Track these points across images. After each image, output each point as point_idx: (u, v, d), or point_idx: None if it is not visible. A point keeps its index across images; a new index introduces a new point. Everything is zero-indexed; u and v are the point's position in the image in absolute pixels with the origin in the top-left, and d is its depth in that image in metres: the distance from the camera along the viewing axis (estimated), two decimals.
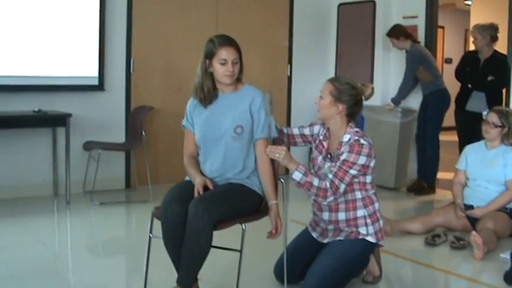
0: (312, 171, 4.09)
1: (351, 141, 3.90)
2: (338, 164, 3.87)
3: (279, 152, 3.73)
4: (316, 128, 4.19)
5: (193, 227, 3.42)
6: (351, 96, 3.97)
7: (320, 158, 4.09)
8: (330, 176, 3.86)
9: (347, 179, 3.85)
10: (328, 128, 4.10)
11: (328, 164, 3.99)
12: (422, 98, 7.60)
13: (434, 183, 7.63)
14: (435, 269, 4.80)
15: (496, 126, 5.48)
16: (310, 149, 4.31)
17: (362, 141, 3.88)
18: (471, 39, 7.15)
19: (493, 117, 5.50)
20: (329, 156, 4.03)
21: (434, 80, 7.41)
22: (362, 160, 3.86)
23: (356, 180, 3.94)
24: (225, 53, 3.71)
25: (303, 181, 3.80)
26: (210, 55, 3.73)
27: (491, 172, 5.50)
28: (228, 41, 3.75)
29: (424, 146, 7.60)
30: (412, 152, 7.90)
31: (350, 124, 4.00)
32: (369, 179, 4.01)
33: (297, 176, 3.79)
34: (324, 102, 3.98)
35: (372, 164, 3.95)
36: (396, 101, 7.57)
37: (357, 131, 3.96)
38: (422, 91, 7.55)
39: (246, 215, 3.72)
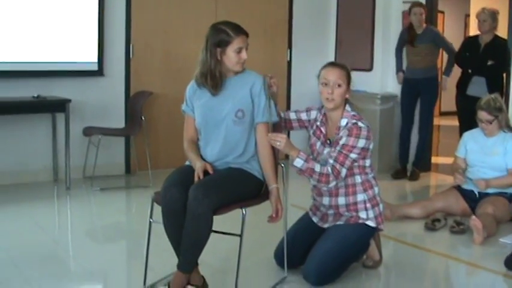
0: (311, 157, 4.08)
1: (349, 124, 3.91)
2: (338, 148, 3.87)
3: (279, 140, 3.71)
4: (313, 113, 4.18)
5: (194, 211, 3.42)
6: (350, 78, 4.01)
7: (319, 143, 4.08)
8: (331, 161, 3.85)
9: (348, 163, 3.86)
10: (324, 113, 4.09)
11: (327, 150, 3.99)
12: (407, 82, 7.58)
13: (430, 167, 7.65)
14: (435, 254, 4.81)
15: (491, 122, 5.47)
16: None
17: (360, 124, 3.89)
18: (472, 23, 7.13)
19: (485, 116, 5.47)
20: (328, 141, 4.03)
21: (436, 65, 7.44)
22: (361, 143, 3.86)
23: (355, 164, 3.94)
24: (241, 41, 3.73)
25: (305, 167, 3.80)
26: (224, 44, 3.70)
27: (491, 160, 5.50)
28: (241, 29, 3.76)
29: (410, 132, 7.61)
30: (395, 137, 7.90)
31: (346, 108, 4.00)
32: (368, 162, 4.02)
33: (298, 162, 3.79)
34: (341, 90, 3.95)
35: (371, 147, 3.96)
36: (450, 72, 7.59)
37: (354, 115, 3.96)
38: (413, 75, 7.48)
39: (246, 199, 3.72)
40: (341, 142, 3.87)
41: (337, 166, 3.83)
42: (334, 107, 3.99)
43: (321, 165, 3.84)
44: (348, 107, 4.01)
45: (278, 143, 3.71)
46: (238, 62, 3.74)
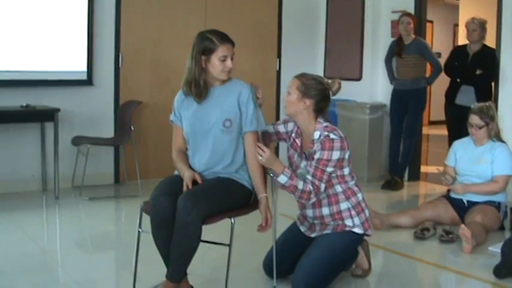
0: (291, 169, 4.08)
1: (322, 137, 3.90)
2: (313, 164, 3.87)
3: (261, 154, 3.71)
4: (291, 125, 4.16)
5: (182, 221, 3.42)
6: (318, 91, 3.97)
7: (296, 155, 4.09)
8: (309, 177, 3.86)
9: (325, 177, 3.88)
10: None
11: (304, 163, 4.00)
12: (396, 93, 7.58)
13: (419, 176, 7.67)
14: (424, 263, 4.81)
15: (481, 128, 5.49)
16: None
17: (332, 135, 3.88)
18: (461, 32, 7.16)
19: (476, 120, 5.50)
20: (304, 154, 4.03)
21: (425, 76, 7.47)
22: (336, 155, 3.86)
23: (333, 174, 3.95)
24: (226, 50, 3.73)
25: (288, 184, 3.81)
26: (208, 51, 3.72)
27: (479, 169, 5.51)
28: (226, 38, 3.77)
29: (399, 142, 7.60)
30: (384, 147, 7.91)
31: (319, 120, 3.99)
32: (346, 171, 4.01)
33: (282, 179, 3.80)
34: (291, 98, 3.97)
35: (346, 156, 3.95)
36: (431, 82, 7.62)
37: (326, 126, 3.95)
38: (401, 86, 7.48)
39: (235, 209, 3.72)
40: (316, 157, 3.88)
41: (316, 182, 3.85)
42: (288, 113, 4.04)
43: (304, 183, 3.85)
44: (320, 119, 4.01)
45: (260, 157, 3.72)
46: (223, 70, 3.75)
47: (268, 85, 8.28)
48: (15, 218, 5.85)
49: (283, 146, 7.44)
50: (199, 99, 3.79)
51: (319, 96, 3.96)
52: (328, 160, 3.84)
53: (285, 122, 4.20)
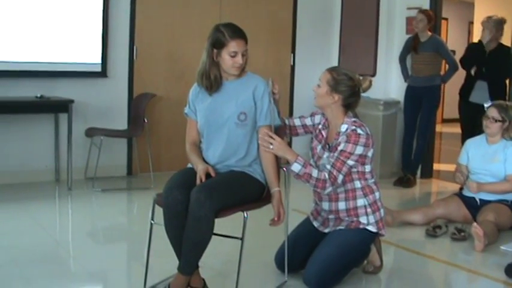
0: (312, 160, 4.10)
1: (348, 131, 3.91)
2: (336, 154, 3.87)
3: (272, 142, 3.71)
4: (317, 118, 4.19)
5: (195, 214, 3.42)
6: (347, 87, 3.97)
7: (319, 147, 4.09)
8: (328, 166, 3.86)
9: (345, 169, 3.86)
10: (327, 118, 4.11)
11: (326, 154, 4.00)
12: (410, 90, 7.56)
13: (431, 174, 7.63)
14: (436, 260, 4.80)
15: (496, 121, 5.46)
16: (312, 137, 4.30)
17: (359, 131, 3.89)
18: (476, 30, 7.14)
19: (493, 112, 5.48)
20: (327, 146, 4.04)
21: (440, 74, 7.43)
22: (359, 150, 3.87)
23: (354, 170, 3.95)
24: (236, 46, 3.70)
25: (302, 172, 3.80)
26: (219, 45, 3.70)
27: (492, 168, 5.49)
28: (238, 34, 3.73)
29: (412, 139, 7.58)
30: (398, 143, 7.89)
31: (348, 114, 4.00)
32: (368, 168, 4.01)
33: (295, 167, 3.79)
34: (320, 91, 3.99)
35: (369, 154, 3.96)
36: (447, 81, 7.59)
37: (354, 121, 3.96)
38: (416, 83, 7.46)
39: (247, 202, 3.72)
40: (339, 148, 3.88)
41: (334, 172, 3.84)
42: (316, 105, 4.06)
43: (319, 171, 3.85)
44: (349, 113, 4.02)
45: (271, 146, 3.72)
46: (232, 66, 3.73)
47: (282, 80, 8.25)
48: (28, 208, 5.88)
49: (296, 141, 7.45)
50: (210, 91, 3.80)
51: (348, 92, 3.97)
52: (351, 153, 3.85)
53: (312, 115, 4.21)
